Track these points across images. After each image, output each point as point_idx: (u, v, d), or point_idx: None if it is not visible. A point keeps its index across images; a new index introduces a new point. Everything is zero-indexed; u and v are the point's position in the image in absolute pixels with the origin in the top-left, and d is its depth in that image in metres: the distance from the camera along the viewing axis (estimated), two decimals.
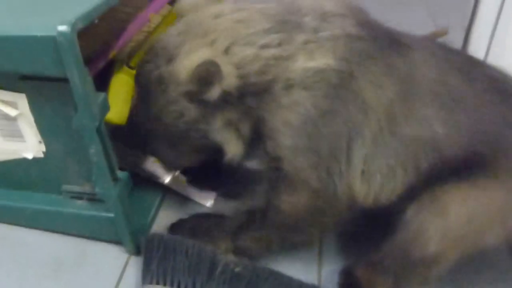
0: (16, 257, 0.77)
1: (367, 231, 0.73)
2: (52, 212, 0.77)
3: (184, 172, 0.86)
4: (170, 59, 0.67)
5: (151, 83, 0.70)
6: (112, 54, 0.81)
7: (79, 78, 0.59)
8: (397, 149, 0.65)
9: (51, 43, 0.57)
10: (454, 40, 1.33)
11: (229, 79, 0.64)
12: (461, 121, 0.64)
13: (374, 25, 0.69)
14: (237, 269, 0.66)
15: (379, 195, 0.67)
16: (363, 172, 0.66)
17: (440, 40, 1.35)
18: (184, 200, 0.88)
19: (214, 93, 0.64)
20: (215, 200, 0.87)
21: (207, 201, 0.87)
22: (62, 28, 0.56)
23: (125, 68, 0.94)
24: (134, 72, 0.97)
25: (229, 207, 0.84)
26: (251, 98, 0.66)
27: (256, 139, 0.69)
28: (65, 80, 0.60)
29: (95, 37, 0.88)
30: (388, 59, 0.65)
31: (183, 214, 0.82)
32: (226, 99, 0.66)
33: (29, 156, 0.73)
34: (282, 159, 0.66)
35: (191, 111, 0.68)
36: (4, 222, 0.82)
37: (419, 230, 0.63)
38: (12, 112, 0.68)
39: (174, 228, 0.79)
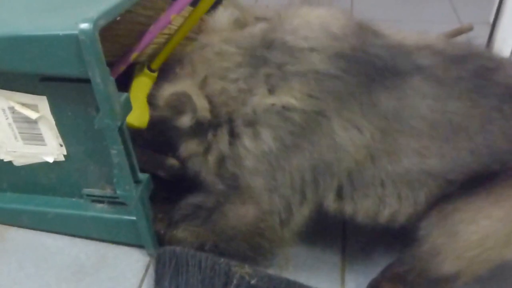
0: (36, 261, 0.76)
1: (390, 241, 0.74)
2: (73, 216, 0.77)
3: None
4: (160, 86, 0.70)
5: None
6: (133, 56, 0.81)
7: (101, 77, 0.58)
8: (383, 182, 0.64)
9: (73, 41, 0.56)
10: (479, 36, 1.30)
11: (202, 111, 0.66)
12: (463, 148, 0.62)
13: (359, 55, 0.63)
14: (252, 281, 0.65)
15: (376, 215, 0.66)
16: (340, 197, 0.66)
17: (465, 36, 1.35)
18: None
19: (184, 121, 0.67)
20: None
21: None
22: (84, 25, 0.55)
23: (146, 71, 0.94)
24: (155, 75, 0.97)
25: None
26: (214, 130, 0.68)
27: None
28: (86, 80, 0.59)
29: (116, 40, 0.88)
30: (369, 95, 0.62)
31: None
32: (198, 129, 0.68)
33: (50, 159, 0.73)
34: (239, 177, 0.66)
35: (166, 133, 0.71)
36: (24, 227, 0.82)
37: (432, 251, 0.62)
38: (33, 115, 0.68)
39: None
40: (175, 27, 0.95)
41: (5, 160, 0.76)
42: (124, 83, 0.96)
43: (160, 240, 0.74)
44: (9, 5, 0.69)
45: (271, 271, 0.72)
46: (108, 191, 0.74)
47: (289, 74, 0.63)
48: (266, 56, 0.64)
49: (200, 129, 0.68)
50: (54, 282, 0.73)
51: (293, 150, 0.63)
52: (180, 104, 0.65)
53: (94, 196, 0.75)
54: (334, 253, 0.77)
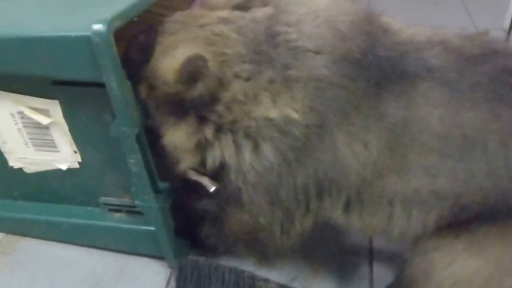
0: (50, 274, 0.72)
1: None
2: (89, 226, 0.72)
3: None
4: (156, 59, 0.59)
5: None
6: None
7: (117, 82, 0.54)
8: (391, 201, 0.57)
9: (86, 43, 0.52)
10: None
11: (213, 79, 0.56)
12: (479, 169, 0.53)
13: (367, 59, 0.55)
14: None
15: (385, 233, 0.61)
16: (347, 211, 0.60)
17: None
18: None
19: (195, 91, 0.56)
20: None
21: None
22: (98, 27, 0.51)
23: None
24: None
25: None
26: (217, 131, 0.59)
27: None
28: (101, 85, 0.54)
29: None
30: (375, 104, 0.55)
31: None
32: (199, 107, 0.58)
33: (63, 167, 0.68)
34: (242, 190, 0.60)
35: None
36: (37, 237, 0.77)
37: (410, 279, 0.58)
38: (44, 120, 0.63)
39: None
40: None
41: (15, 167, 0.71)
42: None
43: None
44: (22, 5, 0.65)
45: (297, 284, 0.69)
46: (126, 200, 0.69)
47: (292, 81, 0.56)
48: (270, 54, 0.57)
49: (200, 108, 0.58)
50: None
51: (296, 166, 0.57)
52: (197, 70, 0.55)
53: (111, 205, 0.71)
54: (362, 265, 0.72)
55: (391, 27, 0.59)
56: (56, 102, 0.62)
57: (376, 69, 0.54)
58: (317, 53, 0.55)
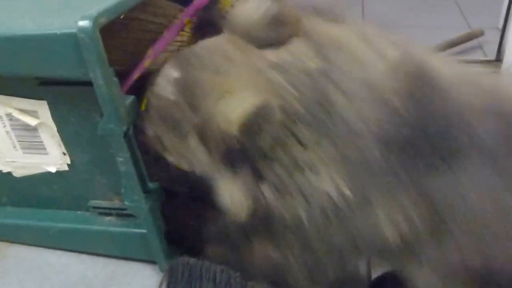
0: (40, 280, 0.71)
1: None
2: (78, 230, 0.71)
3: None
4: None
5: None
6: (146, 63, 0.76)
7: (104, 79, 0.53)
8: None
9: (72, 41, 0.51)
10: (490, 41, 1.31)
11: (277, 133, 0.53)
12: None
13: (412, 132, 0.51)
14: None
15: None
16: None
17: (476, 41, 1.32)
18: None
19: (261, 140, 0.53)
20: None
21: None
22: (83, 23, 0.50)
23: None
24: None
25: None
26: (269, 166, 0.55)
27: None
28: (88, 83, 0.54)
29: (126, 50, 0.83)
30: (419, 181, 0.52)
31: None
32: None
33: (52, 169, 0.68)
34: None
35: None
36: (26, 243, 0.76)
37: None
38: (32, 121, 0.63)
39: None
40: (189, 34, 0.90)
41: (4, 171, 0.70)
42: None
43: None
44: (11, 5, 0.64)
45: None
46: (116, 203, 0.68)
47: (338, 149, 0.53)
48: (327, 124, 0.53)
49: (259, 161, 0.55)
50: None
51: (335, 229, 0.56)
52: (265, 121, 0.51)
53: (101, 208, 0.70)
54: None
55: (442, 82, 0.54)
56: (44, 102, 0.62)
57: (421, 143, 0.52)
58: (369, 132, 0.52)
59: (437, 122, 0.52)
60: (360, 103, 0.53)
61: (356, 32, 0.59)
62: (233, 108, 0.51)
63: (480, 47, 1.34)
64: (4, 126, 0.65)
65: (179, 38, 0.85)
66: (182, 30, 0.80)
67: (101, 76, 0.53)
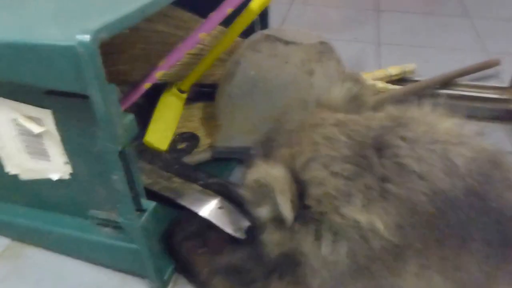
0: (56, 281, 0.72)
1: None
2: (76, 238, 0.71)
3: None
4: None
5: None
6: (159, 74, 0.76)
7: (101, 95, 0.52)
8: None
9: (72, 54, 0.50)
10: (506, 70, 1.24)
11: (284, 211, 0.55)
12: None
13: (468, 198, 0.52)
14: None
15: None
16: None
17: (492, 70, 1.24)
18: None
19: (262, 212, 0.58)
20: None
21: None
22: (82, 37, 0.49)
23: (175, 90, 0.89)
24: (184, 96, 0.92)
25: None
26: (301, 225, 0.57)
27: None
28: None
29: (148, 62, 0.83)
30: (457, 254, 0.53)
31: None
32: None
33: (55, 177, 0.68)
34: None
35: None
36: (31, 243, 0.78)
37: None
38: (36, 128, 0.63)
39: None
40: (204, 47, 0.90)
41: (11, 173, 0.71)
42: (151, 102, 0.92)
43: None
44: (20, 11, 0.65)
45: None
46: (113, 215, 0.68)
47: (389, 194, 0.53)
48: (374, 161, 0.55)
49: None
50: None
51: (361, 273, 0.55)
52: (260, 194, 0.56)
53: (99, 219, 0.69)
54: None
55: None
56: (49, 111, 0.62)
57: (475, 221, 0.52)
58: (421, 178, 0.52)
59: (499, 214, 0.52)
60: (422, 151, 0.54)
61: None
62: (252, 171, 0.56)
63: (495, 74, 1.28)
64: (13, 131, 0.66)
65: (194, 51, 0.84)
66: (198, 43, 0.79)
67: (98, 93, 0.52)
